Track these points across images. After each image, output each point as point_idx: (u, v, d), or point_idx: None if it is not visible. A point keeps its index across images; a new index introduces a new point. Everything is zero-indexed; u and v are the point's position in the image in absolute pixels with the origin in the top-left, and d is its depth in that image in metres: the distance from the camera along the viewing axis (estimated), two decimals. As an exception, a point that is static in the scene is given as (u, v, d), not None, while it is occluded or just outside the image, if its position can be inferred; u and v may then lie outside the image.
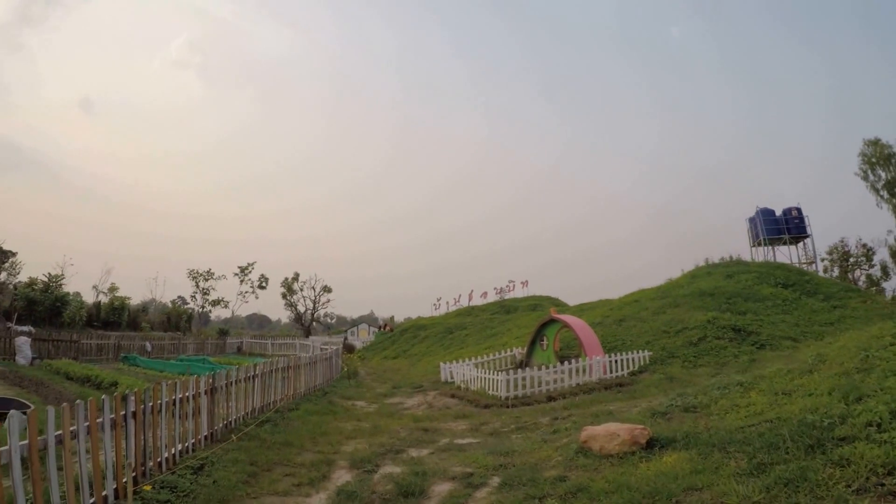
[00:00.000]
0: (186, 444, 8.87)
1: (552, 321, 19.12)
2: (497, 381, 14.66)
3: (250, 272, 61.58)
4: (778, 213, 36.28)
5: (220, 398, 10.38)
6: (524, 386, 14.80)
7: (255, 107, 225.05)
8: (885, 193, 40.98)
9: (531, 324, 31.24)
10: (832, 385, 7.30)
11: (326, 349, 23.81)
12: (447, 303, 51.49)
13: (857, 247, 44.18)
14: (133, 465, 7.13)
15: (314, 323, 69.53)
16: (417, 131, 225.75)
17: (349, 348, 37.98)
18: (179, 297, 62.30)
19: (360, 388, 18.62)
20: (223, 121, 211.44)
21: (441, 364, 19.28)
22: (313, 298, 65.84)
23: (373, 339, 47.48)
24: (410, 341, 38.39)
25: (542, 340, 19.51)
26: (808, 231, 35.86)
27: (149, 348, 35.68)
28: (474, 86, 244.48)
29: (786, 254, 37.24)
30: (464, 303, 49.56)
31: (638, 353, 17.39)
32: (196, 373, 24.07)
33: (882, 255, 43.15)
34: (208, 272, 59.47)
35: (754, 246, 38.37)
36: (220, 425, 10.23)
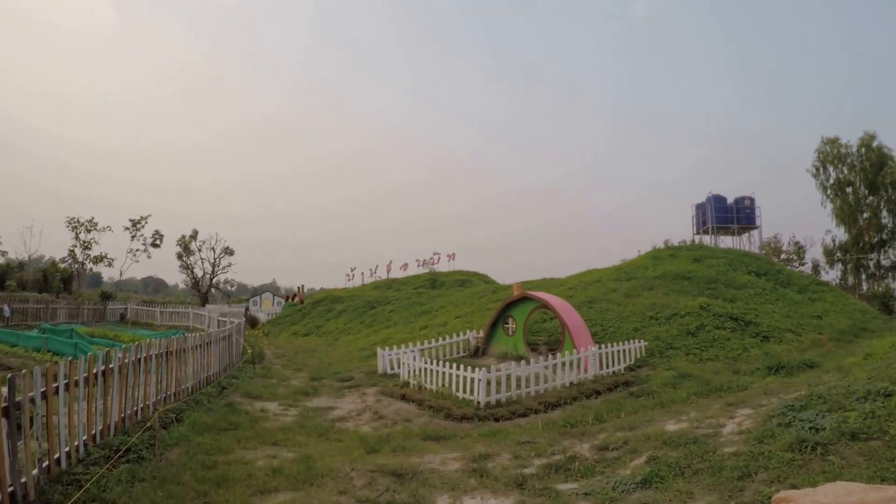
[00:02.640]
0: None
1: (524, 299, 15.17)
2: (473, 380, 10.47)
3: (143, 226, 52.80)
4: (730, 200, 34.48)
5: (29, 419, 5.55)
6: (508, 386, 10.73)
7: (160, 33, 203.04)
8: (831, 193, 40.55)
9: (468, 300, 27.37)
10: None
11: (225, 322, 18.69)
12: (362, 273, 46.73)
13: (789, 243, 43.76)
14: None
15: (213, 289, 62.05)
16: (328, 86, 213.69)
17: (252, 322, 32.44)
18: (70, 252, 52.00)
19: (270, 378, 13.83)
20: (123, 46, 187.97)
21: (379, 351, 14.83)
22: (212, 261, 58.12)
23: (280, 312, 41.85)
24: (324, 315, 33.49)
25: (507, 323, 15.54)
26: (758, 222, 34.38)
27: (7, 313, 28.61)
28: (403, 49, 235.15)
29: (728, 244, 35.77)
30: (381, 274, 45.00)
31: (633, 342, 13.86)
32: (55, 349, 18.14)
33: (814, 253, 42.88)
34: (90, 221, 50.14)
35: (698, 233, 36.55)
36: (35, 473, 5.43)
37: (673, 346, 14.55)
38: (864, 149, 39.87)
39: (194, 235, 57.37)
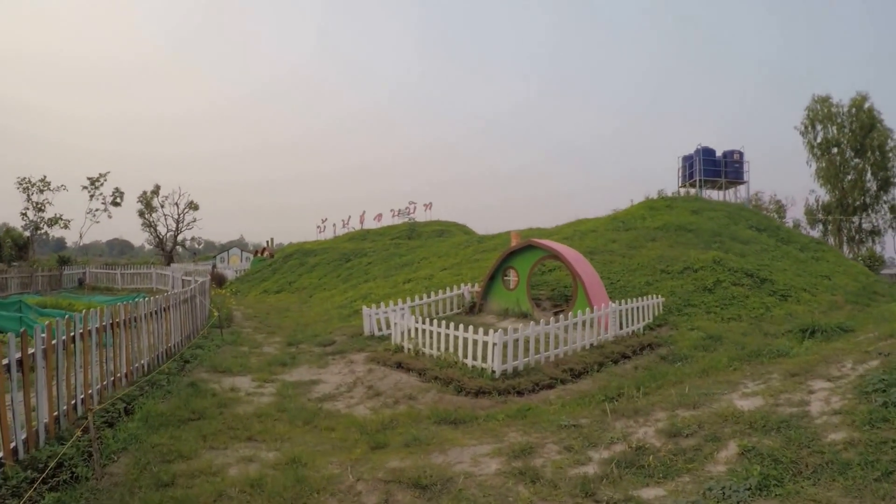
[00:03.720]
0: None
1: (528, 248, 13.57)
2: (486, 344, 8.89)
3: (102, 185, 48.99)
4: (718, 153, 33.24)
5: None
6: (525, 351, 9.19)
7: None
8: (817, 152, 39.96)
9: (452, 251, 25.71)
10: None
11: (189, 282, 16.73)
12: (334, 225, 44.57)
13: (770, 201, 43.18)
14: None
15: (178, 248, 58.82)
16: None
17: (219, 280, 30.30)
18: (23, 215, 47.49)
19: (240, 345, 12.06)
20: None
21: (364, 309, 13.12)
22: (176, 217, 54.87)
23: (248, 268, 39.61)
24: (296, 270, 31.58)
25: (508, 276, 13.98)
26: (746, 178, 33.33)
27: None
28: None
29: (715, 199, 34.76)
30: (355, 225, 42.93)
31: (650, 299, 12.47)
32: (-1, 326, 15.96)
33: (795, 213, 42.60)
34: (42, 181, 46.33)
35: (683, 186, 35.39)
36: None
37: (691, 304, 13.23)
38: (854, 109, 39.28)
39: (156, 191, 53.80)
